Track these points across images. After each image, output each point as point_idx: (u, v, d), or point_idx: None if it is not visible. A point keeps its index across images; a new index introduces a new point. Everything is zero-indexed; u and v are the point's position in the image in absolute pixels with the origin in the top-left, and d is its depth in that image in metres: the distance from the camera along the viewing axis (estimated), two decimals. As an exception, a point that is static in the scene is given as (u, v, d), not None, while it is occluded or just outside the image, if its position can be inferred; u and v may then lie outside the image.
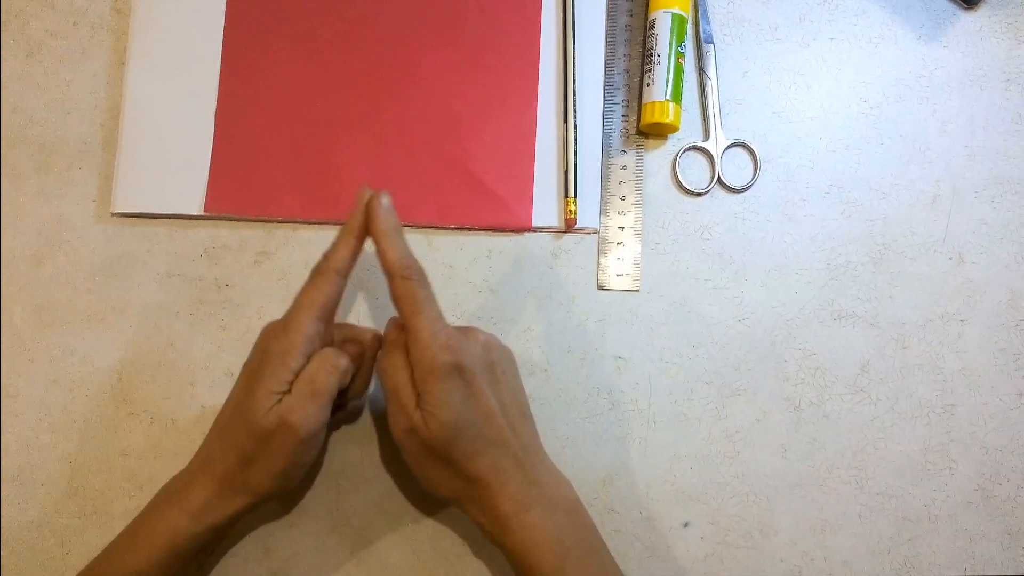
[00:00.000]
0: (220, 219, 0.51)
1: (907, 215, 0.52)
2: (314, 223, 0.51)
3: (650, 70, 0.51)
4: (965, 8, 0.54)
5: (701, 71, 0.53)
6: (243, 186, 0.50)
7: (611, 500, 0.49)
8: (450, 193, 0.51)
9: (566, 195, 0.51)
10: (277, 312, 0.43)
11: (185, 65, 0.51)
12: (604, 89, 0.53)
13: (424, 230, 0.51)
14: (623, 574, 0.43)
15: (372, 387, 0.49)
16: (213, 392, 0.49)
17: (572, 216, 0.51)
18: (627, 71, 0.53)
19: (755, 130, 0.53)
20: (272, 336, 0.41)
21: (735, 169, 0.52)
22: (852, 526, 0.49)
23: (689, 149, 0.53)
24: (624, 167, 0.52)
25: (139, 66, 0.51)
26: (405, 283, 0.40)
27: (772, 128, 0.53)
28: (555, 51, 0.53)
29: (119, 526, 0.42)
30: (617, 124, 0.53)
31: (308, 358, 0.41)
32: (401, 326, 0.41)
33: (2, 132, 0.51)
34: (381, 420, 0.49)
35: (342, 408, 0.47)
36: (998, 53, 0.54)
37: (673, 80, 0.51)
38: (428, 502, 0.48)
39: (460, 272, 0.51)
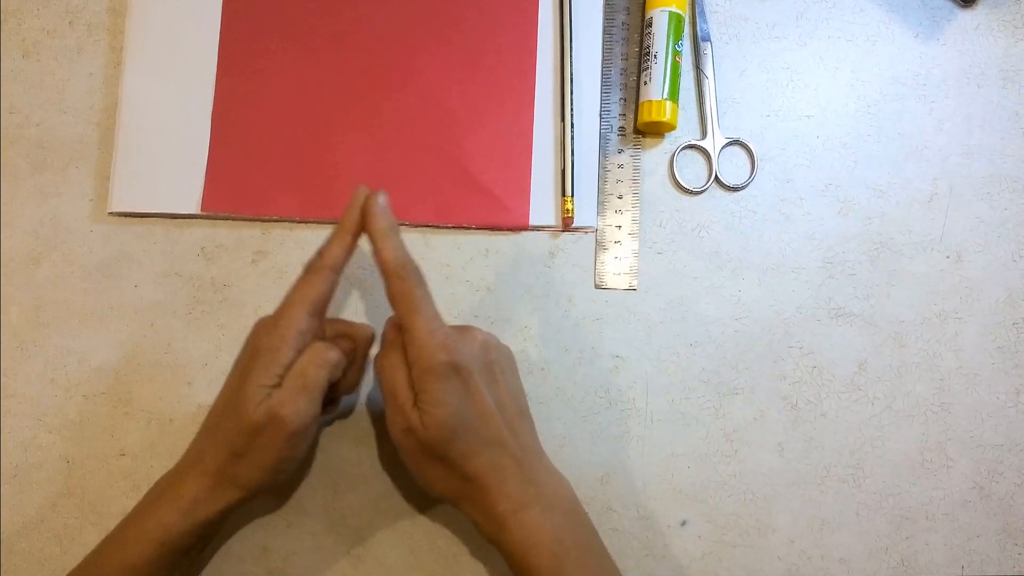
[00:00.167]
0: (217, 218, 0.51)
1: (904, 213, 0.52)
2: (311, 222, 0.51)
3: (647, 69, 0.51)
4: (962, 6, 0.54)
5: (698, 70, 0.53)
6: (240, 185, 0.50)
7: (608, 499, 0.49)
8: (447, 192, 0.51)
9: (563, 194, 0.51)
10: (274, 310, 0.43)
11: (181, 64, 0.51)
12: (601, 88, 0.53)
13: (421, 229, 0.51)
14: (621, 574, 0.43)
15: (369, 386, 0.49)
16: (210, 391, 0.49)
17: (569, 215, 0.51)
18: (624, 70, 0.53)
19: (752, 129, 0.53)
20: (263, 331, 0.41)
21: (732, 168, 0.52)
22: (849, 524, 0.49)
23: (686, 148, 0.53)
24: (621, 166, 0.52)
25: (135, 65, 0.51)
26: (401, 282, 0.40)
27: (769, 127, 0.53)
28: (552, 50, 0.53)
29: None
30: (614, 123, 0.53)
31: (299, 352, 0.41)
32: (399, 325, 0.41)
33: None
34: (378, 420, 0.49)
35: (335, 404, 0.47)
36: (995, 51, 0.54)
37: (670, 79, 0.51)
38: (425, 501, 0.48)
39: (457, 271, 0.51)
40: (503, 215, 0.51)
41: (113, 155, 0.50)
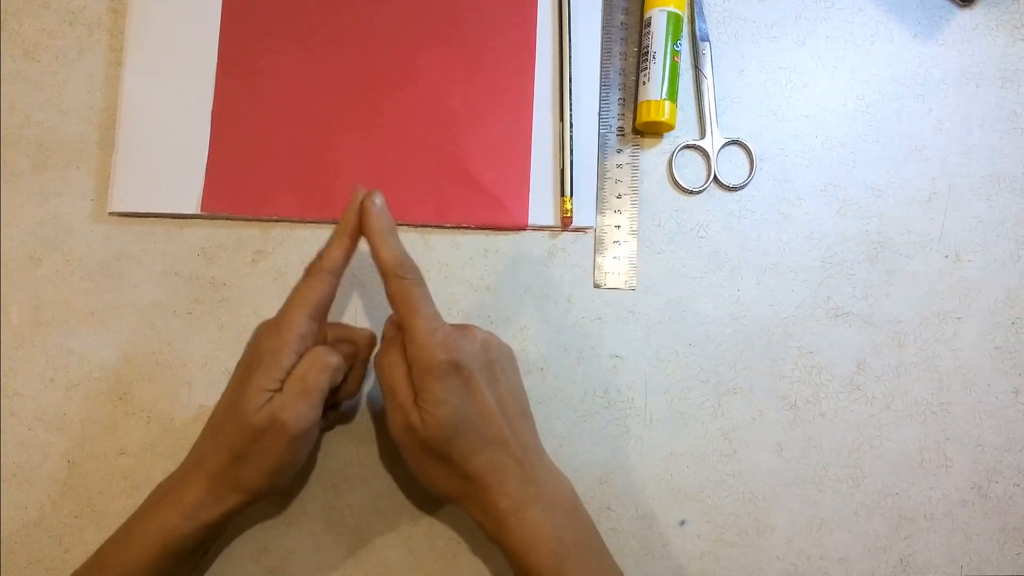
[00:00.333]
0: (217, 218, 0.51)
1: (903, 213, 0.52)
2: (310, 222, 0.51)
3: (646, 68, 0.51)
4: (961, 5, 0.54)
5: (697, 69, 0.53)
6: (240, 185, 0.51)
7: (607, 498, 0.49)
8: (447, 192, 0.51)
9: (562, 194, 0.51)
10: (274, 311, 0.43)
11: (181, 64, 0.52)
12: (600, 88, 0.53)
13: (421, 229, 0.51)
14: (622, 573, 0.43)
15: (369, 386, 0.49)
16: (210, 391, 0.49)
17: (568, 215, 0.51)
18: (623, 70, 0.53)
19: (751, 128, 0.53)
20: (265, 335, 0.42)
21: (731, 167, 0.53)
22: (848, 524, 0.49)
23: (685, 148, 0.53)
24: (620, 166, 0.52)
25: (135, 65, 0.51)
26: (400, 282, 0.41)
27: (768, 126, 0.53)
28: (551, 50, 0.53)
29: (117, 525, 0.42)
30: (613, 123, 0.53)
31: (300, 356, 0.41)
32: (399, 324, 0.41)
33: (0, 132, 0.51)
34: (378, 419, 0.49)
35: (336, 408, 0.47)
36: (994, 50, 0.54)
37: (669, 78, 0.51)
38: (425, 501, 0.48)
39: (456, 271, 0.51)
40: (502, 215, 0.51)
41: (113, 155, 0.50)
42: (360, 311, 0.50)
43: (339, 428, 0.49)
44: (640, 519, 0.49)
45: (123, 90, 0.51)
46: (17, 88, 0.52)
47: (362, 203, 0.41)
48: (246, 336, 0.43)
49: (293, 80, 0.52)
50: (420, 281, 0.41)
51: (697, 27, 0.53)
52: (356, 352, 0.45)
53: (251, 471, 0.40)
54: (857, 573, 0.49)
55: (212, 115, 0.51)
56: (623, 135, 0.53)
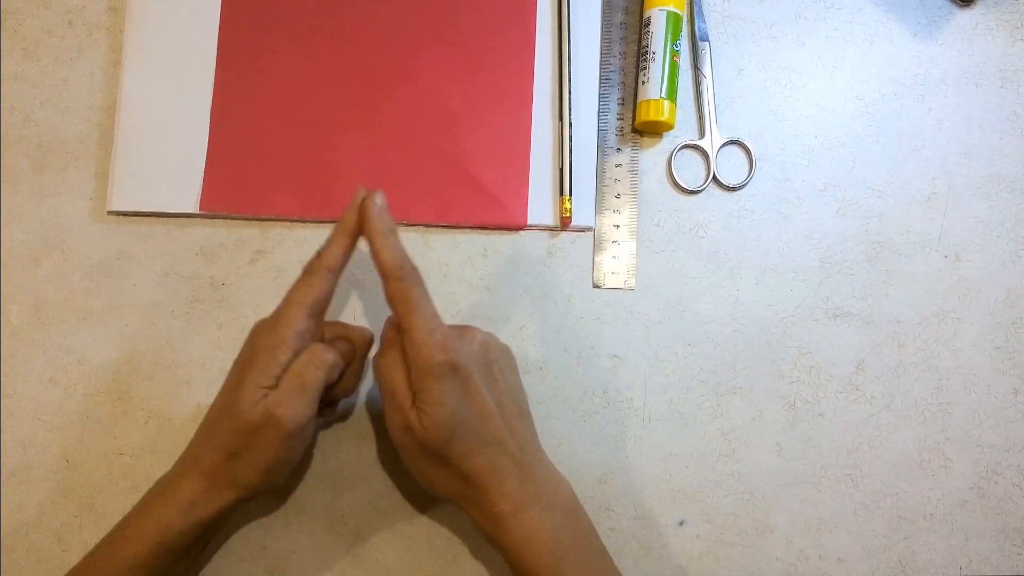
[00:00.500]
0: (216, 218, 0.51)
1: (903, 213, 0.52)
2: (310, 222, 0.51)
3: (645, 68, 0.51)
4: (961, 6, 0.54)
5: (696, 69, 0.53)
6: (239, 185, 0.51)
7: (607, 498, 0.49)
8: (446, 191, 0.51)
9: (561, 193, 0.51)
10: (273, 311, 0.43)
11: (181, 63, 0.52)
12: (599, 87, 0.53)
13: (420, 228, 0.51)
14: (620, 574, 0.43)
15: (368, 386, 0.49)
16: (209, 390, 0.49)
17: (567, 214, 0.51)
18: (622, 69, 0.53)
19: (750, 128, 0.53)
20: (262, 332, 0.42)
21: (730, 167, 0.52)
22: (847, 524, 0.49)
23: (684, 147, 0.53)
24: (619, 165, 0.52)
25: (135, 65, 0.51)
26: (399, 283, 0.40)
27: (767, 126, 0.53)
28: (550, 49, 0.53)
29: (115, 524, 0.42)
30: (612, 122, 0.53)
31: (297, 353, 0.41)
32: (398, 325, 0.41)
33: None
34: (377, 419, 0.49)
35: (333, 406, 0.47)
36: (994, 50, 0.54)
37: (668, 78, 0.51)
38: (424, 501, 0.48)
39: (456, 270, 0.51)
40: (502, 214, 0.51)
41: (112, 154, 0.50)
42: (359, 311, 0.50)
43: (339, 428, 0.49)
44: (639, 519, 0.49)
45: (122, 89, 0.51)
46: (17, 88, 0.52)
47: (363, 203, 0.41)
48: (245, 336, 0.43)
49: (292, 80, 0.52)
50: (419, 282, 0.41)
51: (696, 27, 0.53)
52: (353, 350, 0.45)
53: (246, 467, 0.40)
54: (856, 573, 0.49)
55: (211, 114, 0.51)
56: (622, 135, 0.53)
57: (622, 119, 0.53)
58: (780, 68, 0.54)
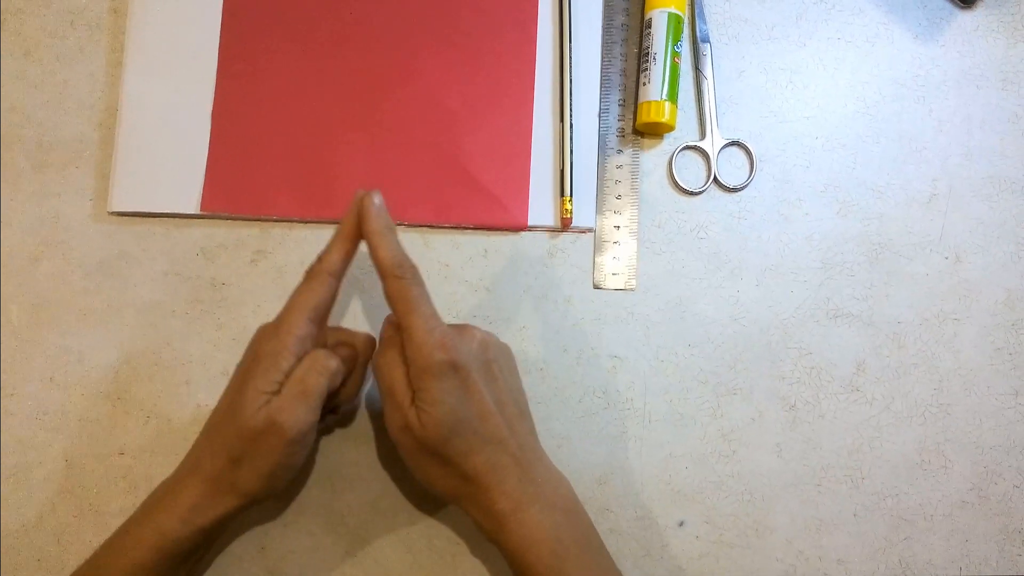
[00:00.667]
0: (216, 218, 0.51)
1: (903, 214, 0.52)
2: (310, 222, 0.51)
3: (646, 69, 0.51)
4: (962, 7, 0.54)
5: (697, 70, 0.53)
6: (239, 185, 0.51)
7: (606, 499, 0.49)
8: (446, 192, 0.51)
9: (562, 194, 0.51)
10: (273, 311, 0.43)
11: (182, 64, 0.52)
12: (600, 88, 0.53)
13: (420, 229, 0.51)
14: (620, 574, 0.43)
15: (368, 385, 0.49)
16: (209, 391, 0.49)
17: (568, 215, 0.51)
18: (623, 70, 0.53)
19: (751, 129, 0.53)
20: (264, 337, 0.42)
21: (731, 168, 0.53)
22: (847, 525, 0.49)
23: (685, 148, 0.53)
24: (620, 166, 0.52)
25: (136, 65, 0.51)
26: (398, 282, 0.40)
27: (768, 127, 0.53)
28: (551, 50, 0.53)
29: (115, 525, 0.42)
30: (613, 123, 0.53)
31: (299, 359, 0.41)
32: (397, 324, 0.41)
33: (0, 131, 0.51)
34: (377, 419, 0.49)
35: (335, 412, 0.47)
36: (995, 52, 0.54)
37: (669, 79, 0.51)
38: (424, 501, 0.48)
39: (456, 271, 0.51)
40: (502, 215, 0.51)
41: (113, 155, 0.50)
42: (359, 312, 0.50)
43: (339, 428, 0.49)
44: (639, 520, 0.49)
45: (123, 90, 0.51)
46: (18, 88, 0.52)
47: (361, 203, 0.41)
48: (245, 336, 0.43)
49: (293, 80, 0.52)
50: (418, 281, 0.41)
51: (698, 28, 0.53)
52: (355, 356, 0.44)
53: (248, 474, 0.40)
54: (856, 574, 0.49)
55: (212, 115, 0.51)
56: (623, 136, 0.53)
57: (623, 120, 0.53)
58: (781, 69, 0.54)
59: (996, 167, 0.53)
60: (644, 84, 0.51)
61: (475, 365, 0.41)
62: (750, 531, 0.49)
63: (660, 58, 0.51)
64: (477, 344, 0.41)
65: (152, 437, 0.49)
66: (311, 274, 0.42)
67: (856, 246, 0.52)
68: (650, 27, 0.52)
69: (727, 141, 0.52)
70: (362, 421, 0.49)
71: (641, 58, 0.52)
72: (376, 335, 0.46)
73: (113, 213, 0.50)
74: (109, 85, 0.52)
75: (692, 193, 0.52)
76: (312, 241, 0.51)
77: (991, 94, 0.54)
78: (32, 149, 0.51)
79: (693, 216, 0.52)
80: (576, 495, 0.43)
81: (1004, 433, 0.51)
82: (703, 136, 0.53)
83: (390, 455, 0.49)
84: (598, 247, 0.51)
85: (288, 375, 0.40)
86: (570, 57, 0.52)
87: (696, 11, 0.53)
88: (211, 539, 0.43)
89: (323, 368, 0.40)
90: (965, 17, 0.54)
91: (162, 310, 0.50)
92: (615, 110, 0.53)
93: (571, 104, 0.52)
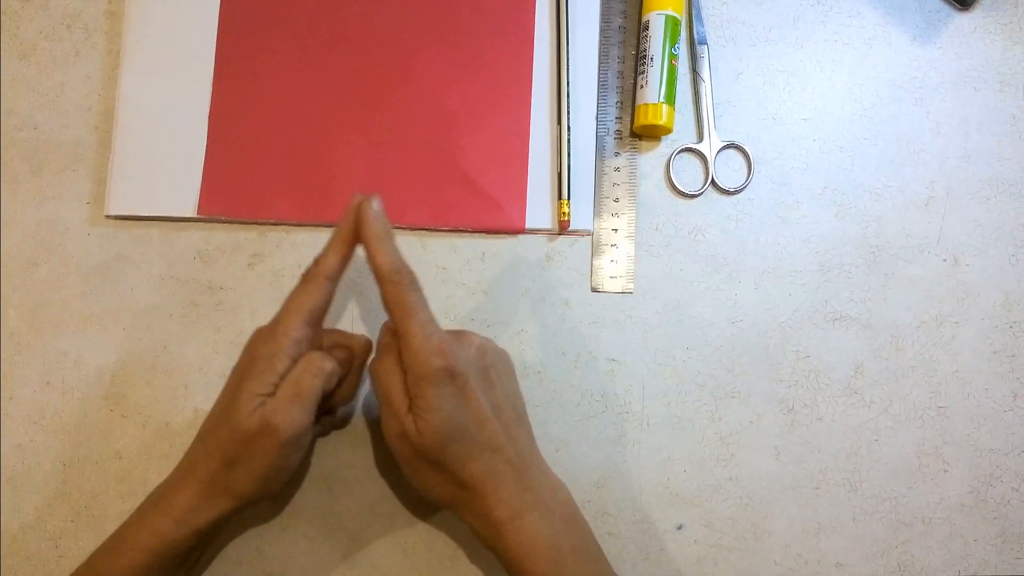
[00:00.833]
0: (214, 221, 0.51)
1: (901, 217, 0.52)
2: (308, 225, 0.51)
3: (644, 72, 0.51)
4: (959, 9, 0.54)
5: (695, 73, 0.53)
6: (237, 188, 0.51)
7: (604, 503, 0.49)
8: (444, 195, 0.51)
9: (560, 197, 0.51)
10: (270, 314, 0.43)
11: (179, 67, 0.51)
12: (598, 91, 0.53)
13: (418, 232, 0.51)
14: (618, 577, 0.43)
15: (365, 390, 0.49)
16: (206, 395, 0.49)
17: (566, 218, 0.51)
18: (621, 73, 0.53)
19: (749, 132, 0.53)
20: (260, 340, 0.41)
21: (729, 171, 0.52)
22: (846, 529, 0.49)
23: (683, 151, 0.53)
24: (618, 169, 0.52)
25: (133, 68, 0.51)
26: (395, 287, 0.40)
27: (766, 130, 0.53)
28: (549, 53, 0.53)
29: (112, 528, 0.42)
30: (611, 126, 0.53)
31: (295, 362, 0.41)
32: (394, 330, 0.41)
33: (-4, 135, 0.51)
34: (374, 423, 0.49)
35: (331, 414, 0.47)
36: (992, 54, 0.54)
37: (667, 82, 0.51)
38: (422, 506, 0.48)
39: (453, 274, 0.51)
40: (500, 218, 0.51)
41: (110, 158, 0.50)
42: (357, 316, 0.50)
43: (336, 432, 0.49)
44: (637, 524, 0.49)
45: (120, 93, 0.51)
46: (14, 91, 0.52)
47: (358, 207, 0.41)
48: (243, 339, 0.43)
49: (290, 82, 0.52)
50: (416, 287, 0.41)
51: (695, 30, 0.53)
52: (352, 358, 0.44)
53: (242, 476, 0.40)
54: (855, 578, 0.49)
55: (209, 118, 0.51)
56: (621, 138, 0.53)
57: (620, 123, 0.53)
58: (778, 72, 0.54)
59: (994, 169, 0.53)
60: (641, 86, 0.51)
61: (472, 371, 0.41)
62: (748, 534, 0.49)
63: (657, 60, 0.51)
64: (475, 350, 0.41)
65: (149, 441, 0.49)
66: (307, 277, 0.42)
67: (854, 248, 0.52)
68: (647, 29, 0.51)
69: (725, 143, 0.52)
70: (360, 424, 0.49)
71: (638, 60, 0.52)
72: (374, 339, 0.46)
73: (110, 216, 0.50)
74: (106, 88, 0.52)
75: (690, 196, 0.52)
76: (310, 244, 0.51)
77: (989, 96, 0.54)
78: (29, 152, 0.51)
79: (691, 219, 0.52)
80: (574, 501, 0.43)
81: (1002, 436, 0.50)
82: (701, 138, 0.53)
83: (388, 459, 0.49)
84: (596, 250, 0.51)
85: (283, 377, 0.40)
86: (568, 59, 0.52)
87: (693, 13, 0.53)
88: (206, 542, 0.43)
89: (318, 370, 0.40)
90: (962, 19, 0.54)
91: (159, 313, 0.50)
92: (612, 113, 0.53)
93: (569, 107, 0.52)
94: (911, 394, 0.51)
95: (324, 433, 0.49)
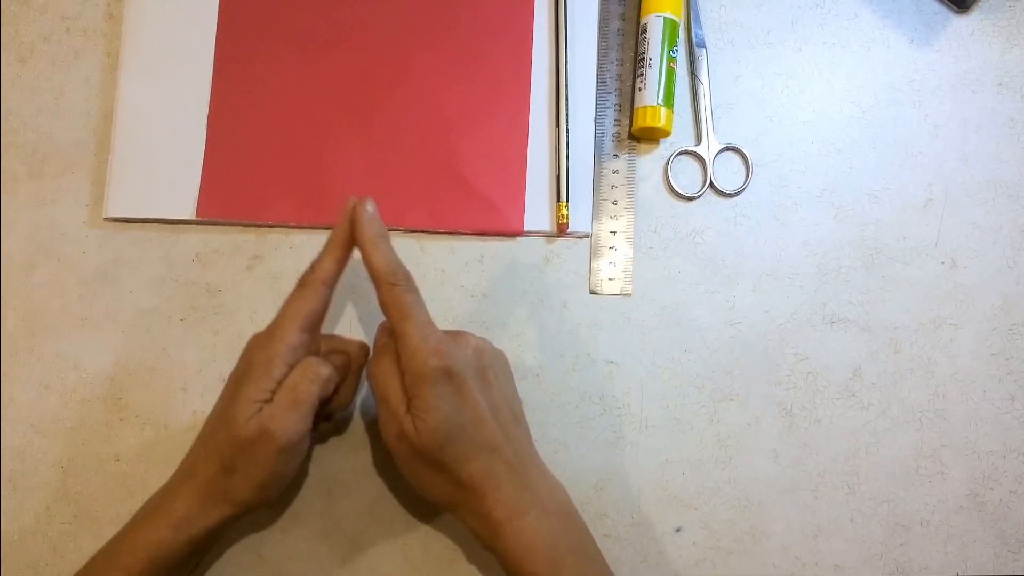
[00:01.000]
0: (212, 224, 0.51)
1: (899, 219, 0.52)
2: (306, 228, 0.51)
3: (642, 74, 0.51)
4: (957, 12, 0.54)
5: (693, 75, 0.53)
6: (235, 191, 0.51)
7: (603, 505, 0.49)
8: (442, 197, 0.51)
9: (558, 199, 0.51)
10: (269, 317, 0.43)
11: (177, 69, 0.52)
12: (596, 93, 0.53)
13: (416, 234, 0.51)
14: (617, 579, 0.43)
15: (363, 392, 0.49)
16: (205, 398, 0.49)
17: (564, 220, 0.51)
18: (619, 75, 0.53)
19: (747, 134, 0.53)
20: (256, 346, 0.41)
21: (727, 173, 0.52)
22: (844, 531, 0.49)
23: (681, 153, 0.53)
24: (616, 171, 0.52)
25: (131, 70, 0.51)
26: (392, 289, 0.40)
27: (764, 132, 0.53)
28: (547, 55, 0.53)
29: (111, 532, 0.42)
30: (609, 128, 0.53)
31: (292, 368, 0.41)
32: (391, 331, 0.41)
33: (-5, 137, 0.51)
34: (373, 425, 0.49)
35: (328, 420, 0.47)
36: (990, 57, 0.54)
37: (665, 84, 0.51)
38: (420, 508, 0.48)
39: (452, 276, 0.51)
40: (498, 220, 0.51)
41: (109, 160, 0.50)
42: (354, 318, 0.50)
43: (335, 435, 0.49)
44: (635, 526, 0.49)
45: (119, 95, 0.51)
46: (13, 94, 0.52)
47: (354, 210, 0.41)
48: (241, 342, 0.43)
49: (289, 85, 0.52)
50: (412, 288, 0.41)
51: (693, 33, 0.53)
52: (349, 363, 0.44)
53: (240, 482, 0.40)
54: (853, 580, 0.49)
55: (208, 120, 0.51)
56: (619, 141, 0.53)
57: (619, 125, 0.53)
58: (777, 74, 0.54)
59: (992, 171, 0.53)
60: (640, 89, 0.51)
61: (470, 372, 0.41)
62: (747, 537, 0.49)
63: (656, 63, 0.51)
64: (472, 351, 0.41)
65: (148, 444, 0.49)
66: (303, 282, 0.42)
67: (852, 251, 0.52)
68: (646, 32, 0.51)
69: (723, 146, 0.52)
70: (358, 428, 0.49)
71: (637, 63, 0.52)
72: (371, 342, 0.46)
73: (109, 219, 0.50)
74: (105, 90, 0.52)
75: (688, 198, 0.52)
76: (308, 247, 0.51)
77: (987, 98, 0.54)
78: (28, 155, 0.51)
79: (689, 221, 0.52)
80: (572, 502, 0.43)
81: (1000, 438, 0.51)
82: (699, 141, 0.53)
83: (387, 461, 0.49)
84: (594, 252, 0.51)
85: (280, 383, 0.40)
86: (566, 62, 0.52)
87: (692, 16, 0.53)
88: (204, 549, 0.43)
89: (315, 376, 0.40)
90: (960, 21, 0.54)
91: (158, 316, 0.50)
92: (611, 115, 0.53)
93: (567, 109, 0.52)
94: (909, 396, 0.51)
95: (321, 439, 0.49)
